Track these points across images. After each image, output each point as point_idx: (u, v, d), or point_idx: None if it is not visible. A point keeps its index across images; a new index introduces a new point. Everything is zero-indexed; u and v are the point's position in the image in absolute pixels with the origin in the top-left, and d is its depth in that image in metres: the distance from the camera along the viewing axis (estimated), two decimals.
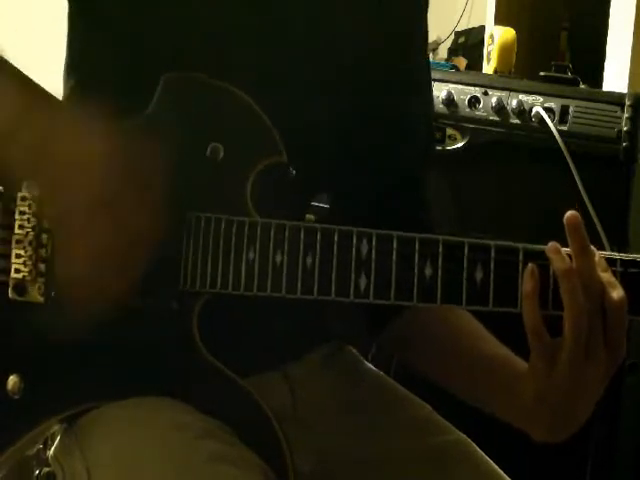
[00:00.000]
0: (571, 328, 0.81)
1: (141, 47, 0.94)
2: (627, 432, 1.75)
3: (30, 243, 0.89)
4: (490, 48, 2.02)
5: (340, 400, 1.06)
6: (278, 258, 0.87)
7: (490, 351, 0.97)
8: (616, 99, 1.69)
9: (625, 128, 1.66)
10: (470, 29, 2.77)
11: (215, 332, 0.89)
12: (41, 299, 0.90)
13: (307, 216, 1.01)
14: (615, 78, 1.99)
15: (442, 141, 1.76)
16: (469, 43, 2.69)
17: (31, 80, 0.87)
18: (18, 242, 0.89)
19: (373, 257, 0.86)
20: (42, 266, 0.89)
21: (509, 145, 1.74)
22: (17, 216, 0.89)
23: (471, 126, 1.76)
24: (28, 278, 0.89)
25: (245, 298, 0.88)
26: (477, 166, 1.77)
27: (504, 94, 1.74)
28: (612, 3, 2.02)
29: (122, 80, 0.96)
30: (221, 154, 0.90)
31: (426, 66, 1.13)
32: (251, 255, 0.87)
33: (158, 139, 0.89)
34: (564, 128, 1.70)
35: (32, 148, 0.84)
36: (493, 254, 0.84)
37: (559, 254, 0.82)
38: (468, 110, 1.76)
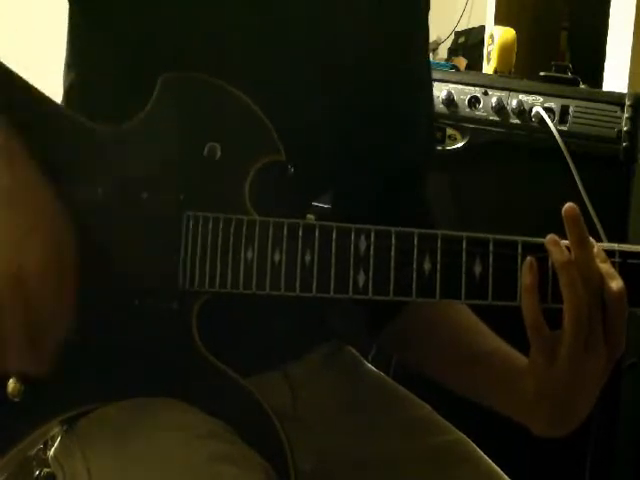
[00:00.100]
0: (571, 320, 0.80)
1: (142, 47, 0.94)
2: (626, 429, 1.75)
3: None
4: (490, 48, 2.02)
5: (340, 400, 1.06)
6: (277, 256, 0.87)
7: (490, 346, 0.97)
8: (616, 99, 1.69)
9: (625, 128, 1.66)
10: (470, 29, 2.77)
11: (215, 332, 0.89)
12: None
13: (308, 216, 1.01)
14: (615, 78, 1.99)
15: (442, 141, 1.76)
16: (469, 43, 2.68)
17: None
18: None
19: (372, 253, 0.85)
20: None
21: (509, 145, 1.74)
22: None
23: (471, 126, 1.75)
24: None
25: (245, 298, 0.88)
26: (477, 166, 1.77)
27: (504, 94, 1.74)
28: (612, 3, 2.01)
29: (123, 80, 0.96)
30: (218, 153, 0.90)
31: (427, 66, 1.13)
32: (249, 254, 0.87)
33: (156, 139, 0.89)
34: (564, 128, 1.70)
35: None
36: (492, 247, 0.83)
37: (558, 246, 0.82)
38: (468, 110, 1.76)
